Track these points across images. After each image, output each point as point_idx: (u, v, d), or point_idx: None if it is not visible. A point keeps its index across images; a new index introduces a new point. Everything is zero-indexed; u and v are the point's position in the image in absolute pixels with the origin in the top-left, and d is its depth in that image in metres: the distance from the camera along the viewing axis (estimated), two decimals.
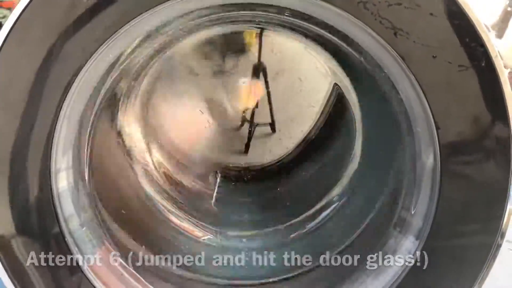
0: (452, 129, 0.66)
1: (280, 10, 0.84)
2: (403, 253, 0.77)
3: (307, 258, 1.01)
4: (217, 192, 1.29)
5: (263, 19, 1.00)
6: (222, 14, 0.87)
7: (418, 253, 0.73)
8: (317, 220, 1.12)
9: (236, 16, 0.95)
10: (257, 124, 1.32)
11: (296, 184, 1.29)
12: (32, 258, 0.71)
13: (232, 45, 1.24)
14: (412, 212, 0.77)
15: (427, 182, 0.72)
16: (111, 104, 1.00)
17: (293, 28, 1.02)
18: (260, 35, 1.21)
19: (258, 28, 1.17)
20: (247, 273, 1.03)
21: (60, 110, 0.67)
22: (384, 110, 0.86)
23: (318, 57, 1.19)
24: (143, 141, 1.20)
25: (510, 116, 0.62)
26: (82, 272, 0.77)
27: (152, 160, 1.22)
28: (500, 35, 0.96)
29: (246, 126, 1.33)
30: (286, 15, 0.86)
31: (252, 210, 1.25)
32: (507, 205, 0.66)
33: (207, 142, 1.34)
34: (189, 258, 1.05)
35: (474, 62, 0.61)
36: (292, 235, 1.13)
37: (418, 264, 0.74)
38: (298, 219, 1.16)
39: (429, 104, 0.65)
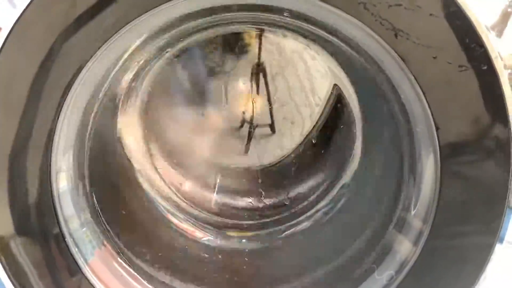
0: (452, 130, 0.66)
1: (280, 11, 0.84)
2: (403, 253, 0.77)
3: (308, 258, 1.01)
4: (216, 193, 1.29)
5: (263, 20, 1.00)
6: (223, 15, 0.87)
7: (418, 253, 0.74)
8: (317, 221, 1.13)
9: (237, 17, 0.95)
10: (257, 125, 1.32)
11: (296, 185, 1.29)
12: (31, 259, 0.70)
13: (232, 46, 1.24)
14: (412, 213, 0.77)
15: (427, 182, 0.73)
16: (112, 105, 1.00)
17: (293, 29, 1.02)
18: (260, 36, 1.21)
19: (258, 29, 1.17)
20: (248, 273, 1.03)
21: (61, 110, 0.67)
22: (384, 111, 0.87)
23: (318, 58, 1.20)
24: (143, 141, 1.20)
25: (510, 117, 0.63)
26: (82, 273, 0.77)
27: (152, 161, 1.22)
28: (499, 36, 0.96)
29: (246, 127, 1.33)
30: (286, 16, 0.86)
31: (252, 211, 1.26)
32: (507, 205, 0.66)
33: (207, 142, 1.34)
34: (188, 259, 1.05)
35: (474, 63, 0.61)
36: (292, 236, 1.13)
37: (418, 264, 0.74)
38: (298, 219, 1.16)
39: (429, 105, 0.65)
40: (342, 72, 1.13)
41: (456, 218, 0.69)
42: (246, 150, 1.34)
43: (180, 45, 1.11)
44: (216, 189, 1.30)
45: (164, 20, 0.76)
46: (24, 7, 0.60)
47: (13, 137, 0.65)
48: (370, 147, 1.08)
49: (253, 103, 1.31)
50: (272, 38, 1.21)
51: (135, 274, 0.87)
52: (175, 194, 1.22)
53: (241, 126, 1.33)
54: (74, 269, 0.76)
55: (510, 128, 0.63)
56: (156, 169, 1.22)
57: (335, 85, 1.23)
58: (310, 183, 1.27)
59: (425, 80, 0.64)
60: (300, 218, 1.16)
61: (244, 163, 1.34)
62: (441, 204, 0.69)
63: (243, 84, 1.29)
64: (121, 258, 0.86)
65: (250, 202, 1.28)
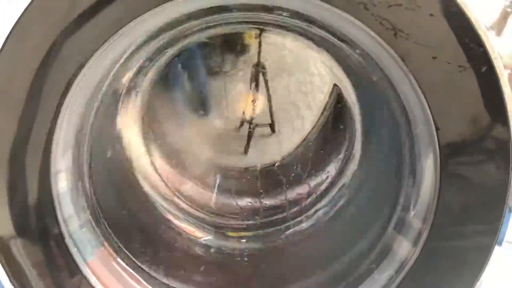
0: (452, 130, 0.65)
1: (280, 10, 0.84)
2: (403, 254, 0.77)
3: (308, 259, 1.01)
4: (216, 193, 1.29)
5: (263, 20, 1.00)
6: (223, 15, 0.87)
7: (417, 254, 0.74)
8: (317, 221, 1.13)
9: (236, 17, 0.95)
10: (257, 125, 1.32)
11: (295, 185, 1.29)
12: (30, 259, 0.70)
13: (232, 46, 1.24)
14: (412, 213, 0.77)
15: (426, 183, 0.72)
16: (111, 105, 1.00)
17: (293, 29, 1.02)
18: (259, 36, 1.21)
19: (258, 29, 1.17)
20: (247, 274, 1.03)
21: (60, 110, 0.66)
22: (383, 111, 0.87)
23: (317, 58, 1.20)
24: (142, 142, 1.20)
25: (509, 118, 0.62)
26: (82, 273, 0.77)
27: (151, 160, 1.22)
28: (498, 35, 0.96)
29: (246, 126, 1.33)
30: (286, 16, 0.86)
31: (252, 211, 1.26)
32: (506, 205, 0.66)
33: (207, 142, 1.34)
34: (188, 258, 1.05)
35: (474, 63, 0.61)
36: (292, 236, 1.13)
37: (417, 265, 0.74)
38: (297, 220, 1.16)
39: (428, 105, 0.65)
40: (342, 72, 1.13)
41: (455, 218, 0.69)
42: (246, 150, 1.34)
43: (180, 45, 1.11)
44: (216, 189, 1.30)
45: (164, 20, 0.76)
46: (24, 5, 0.59)
47: (12, 137, 0.65)
48: (369, 147, 1.08)
49: (253, 103, 1.32)
50: (272, 38, 1.21)
51: (135, 274, 0.87)
52: (175, 194, 1.22)
53: (241, 126, 1.33)
54: (74, 269, 0.76)
55: (510, 129, 0.63)
56: (156, 169, 1.22)
57: (334, 85, 1.23)
58: (310, 183, 1.27)
59: (425, 80, 0.64)
60: (300, 218, 1.16)
61: (243, 163, 1.34)
62: (441, 205, 0.69)
63: (243, 84, 1.29)
64: (120, 258, 0.86)
65: (250, 202, 1.28)
